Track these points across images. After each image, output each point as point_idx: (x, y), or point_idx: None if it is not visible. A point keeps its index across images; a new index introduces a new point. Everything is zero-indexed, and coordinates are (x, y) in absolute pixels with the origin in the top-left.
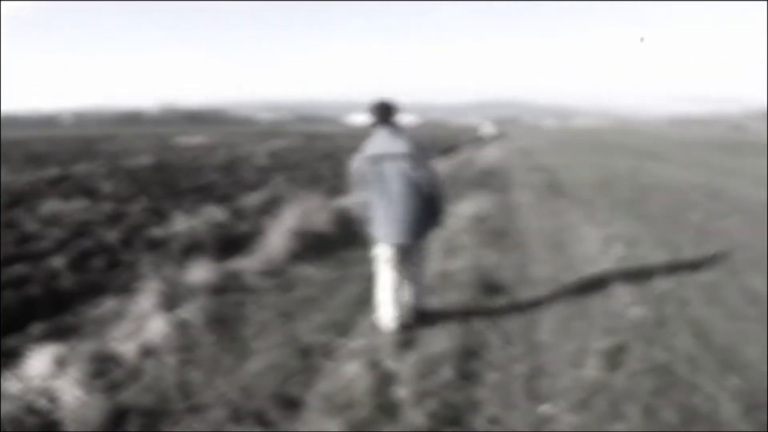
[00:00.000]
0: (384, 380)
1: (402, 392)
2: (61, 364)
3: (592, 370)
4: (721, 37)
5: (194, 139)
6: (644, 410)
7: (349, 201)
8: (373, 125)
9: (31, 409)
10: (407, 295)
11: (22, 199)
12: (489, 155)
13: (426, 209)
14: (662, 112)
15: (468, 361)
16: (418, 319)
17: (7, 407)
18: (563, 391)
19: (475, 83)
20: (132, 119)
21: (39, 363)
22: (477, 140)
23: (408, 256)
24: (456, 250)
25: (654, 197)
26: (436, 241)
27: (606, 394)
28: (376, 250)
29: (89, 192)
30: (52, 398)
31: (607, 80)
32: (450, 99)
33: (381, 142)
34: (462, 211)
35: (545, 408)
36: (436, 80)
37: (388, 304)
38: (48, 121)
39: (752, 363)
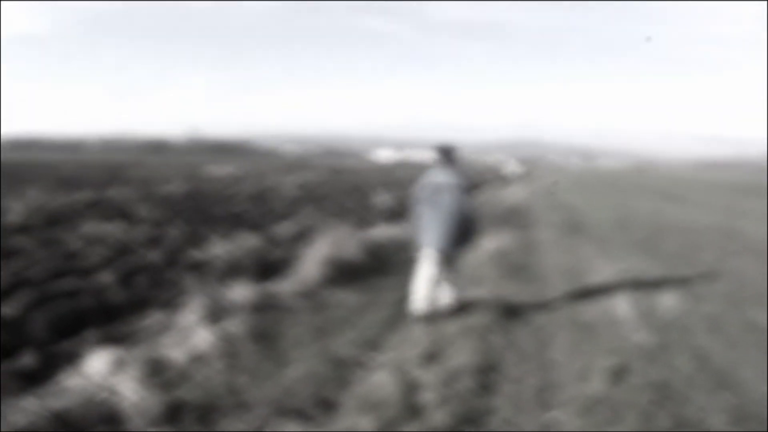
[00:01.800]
0: (410, 387)
1: (427, 397)
2: (118, 364)
3: (596, 383)
4: (744, 80)
5: (223, 168)
6: (641, 417)
7: (409, 218)
8: (435, 161)
9: (93, 401)
10: (443, 290)
11: (61, 219)
12: (513, 194)
13: (465, 228)
14: (684, 153)
15: (486, 374)
16: (449, 311)
17: (71, 399)
18: (569, 400)
19: (500, 122)
20: (158, 147)
21: (98, 363)
22: (501, 179)
23: (446, 261)
24: (479, 280)
25: (668, 237)
26: (462, 270)
27: (607, 404)
28: (424, 253)
29: (125, 215)
30: (113, 392)
31: (631, 121)
32: (475, 137)
33: (438, 174)
34: (485, 245)
35: (553, 414)
36: (462, 118)
37: (424, 293)
38: (74, 146)
39: (745, 382)
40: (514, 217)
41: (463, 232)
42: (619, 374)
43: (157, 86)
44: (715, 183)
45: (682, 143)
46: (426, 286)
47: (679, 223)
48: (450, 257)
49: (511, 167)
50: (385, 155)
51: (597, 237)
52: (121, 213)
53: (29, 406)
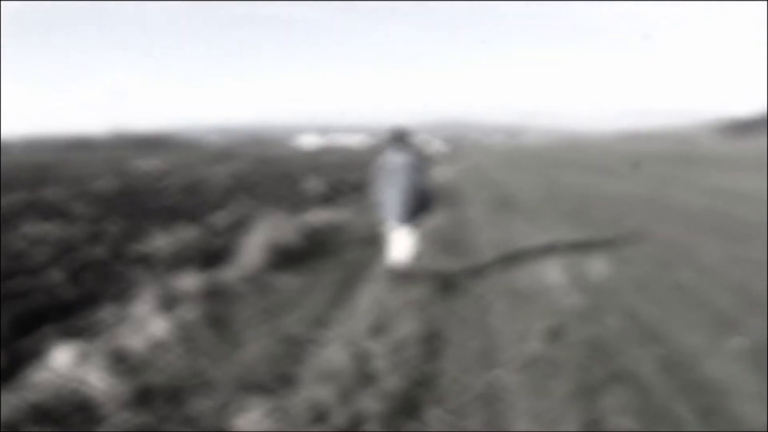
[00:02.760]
0: (362, 357)
1: (378, 365)
2: (82, 356)
3: (534, 344)
4: (670, 49)
5: (150, 162)
6: (577, 371)
7: (371, 193)
8: (389, 143)
9: (65, 392)
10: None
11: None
12: (440, 173)
13: (422, 201)
14: (612, 127)
15: (431, 341)
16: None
17: (43, 392)
18: (510, 360)
19: (425, 104)
20: (82, 145)
21: (62, 356)
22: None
23: (408, 229)
24: (415, 256)
25: (596, 207)
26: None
27: (545, 361)
28: (388, 225)
29: (62, 214)
30: (82, 382)
31: (559, 99)
32: (400, 119)
33: (394, 154)
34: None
35: (496, 372)
36: (387, 101)
37: (399, 251)
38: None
39: (672, 335)
40: (443, 196)
41: (420, 205)
42: (554, 334)
43: (76, 81)
44: (642, 154)
45: (611, 117)
46: (398, 249)
47: (607, 194)
48: (412, 226)
49: (436, 147)
50: (309, 141)
51: (526, 210)
52: (57, 212)
53: (5, 400)
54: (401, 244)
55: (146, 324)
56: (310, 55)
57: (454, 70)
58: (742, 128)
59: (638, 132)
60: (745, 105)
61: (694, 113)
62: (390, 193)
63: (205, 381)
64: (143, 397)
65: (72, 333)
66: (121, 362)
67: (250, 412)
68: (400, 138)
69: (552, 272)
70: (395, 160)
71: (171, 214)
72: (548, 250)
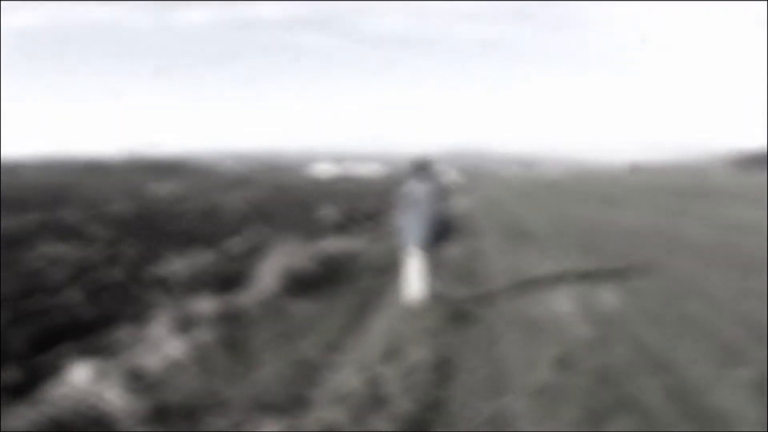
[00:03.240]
0: (374, 381)
1: (390, 389)
2: (99, 374)
3: (542, 372)
4: (683, 85)
5: (166, 186)
6: (584, 398)
7: (394, 220)
8: (412, 172)
9: (82, 408)
10: (424, 280)
11: (16, 240)
12: (455, 204)
13: (442, 229)
14: (622, 159)
15: (442, 367)
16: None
17: (61, 407)
18: (519, 387)
19: (440, 133)
20: (97, 167)
21: (80, 373)
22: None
23: (427, 257)
24: (429, 286)
25: (606, 238)
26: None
27: (553, 389)
28: (410, 251)
29: (78, 235)
30: (99, 398)
31: (571, 129)
32: (415, 149)
33: (417, 184)
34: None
35: (505, 399)
36: (401, 130)
37: (416, 284)
38: (12, 169)
39: (679, 365)
40: (459, 226)
41: (440, 233)
42: (563, 362)
43: (92, 106)
44: (653, 186)
45: (622, 149)
46: (417, 277)
47: (618, 226)
48: (431, 254)
49: (452, 177)
50: (324, 169)
51: (538, 241)
52: (74, 233)
53: (24, 413)
54: (420, 271)
55: (162, 345)
56: (325, 83)
57: (471, 101)
58: (754, 161)
59: (652, 164)
60: (759, 138)
61: (707, 146)
62: (412, 221)
63: (220, 400)
64: (159, 414)
65: (89, 351)
66: (137, 380)
67: (264, 430)
68: (422, 168)
69: (562, 302)
70: (417, 189)
71: (187, 239)
72: (558, 280)
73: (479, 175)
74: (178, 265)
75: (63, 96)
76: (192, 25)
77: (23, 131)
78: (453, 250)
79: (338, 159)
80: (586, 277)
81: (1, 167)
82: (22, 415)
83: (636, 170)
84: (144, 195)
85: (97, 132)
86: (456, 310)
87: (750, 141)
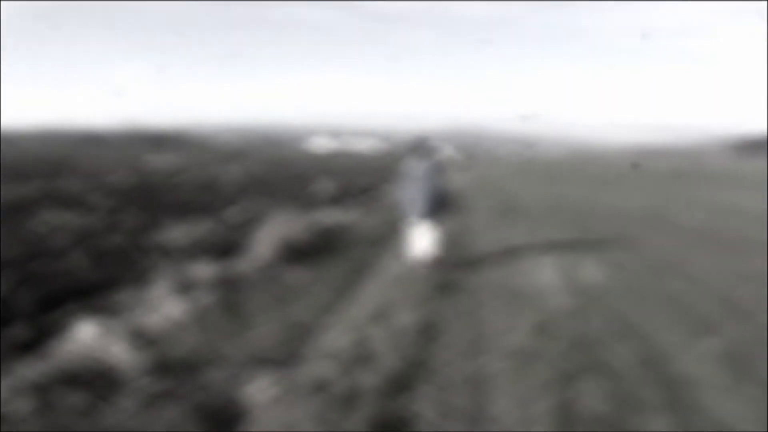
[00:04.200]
0: (363, 339)
1: (377, 346)
2: (104, 330)
3: (521, 335)
4: (685, 68)
5: (163, 158)
6: (558, 360)
7: (398, 196)
8: (412, 150)
9: (90, 360)
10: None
11: (18, 208)
12: (452, 181)
13: (440, 201)
14: (623, 140)
15: (427, 329)
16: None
17: (70, 359)
18: (498, 348)
19: (437, 110)
20: (94, 139)
21: (86, 330)
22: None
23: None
24: (420, 255)
25: (597, 219)
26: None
27: (530, 351)
28: (411, 220)
29: (80, 204)
30: (106, 352)
31: (574, 109)
32: (413, 125)
33: (416, 160)
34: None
35: (485, 358)
36: (399, 106)
37: (420, 246)
38: (10, 139)
39: (653, 332)
40: (454, 202)
41: (438, 205)
42: (540, 328)
43: (90, 76)
44: (650, 169)
45: (625, 131)
46: (419, 242)
47: (610, 206)
48: (430, 223)
49: (449, 154)
50: (321, 143)
51: (529, 218)
52: (75, 202)
53: (34, 365)
54: (421, 239)
55: (163, 305)
56: (324, 57)
57: (470, 78)
58: (753, 147)
59: (650, 147)
60: (759, 124)
61: (707, 130)
62: (412, 194)
63: (218, 355)
64: (162, 367)
65: (94, 311)
66: (140, 337)
67: (258, 381)
68: (422, 146)
69: (545, 274)
70: (417, 165)
71: (185, 209)
72: (543, 253)
73: (477, 153)
74: (176, 233)
75: (59, 68)
76: None
77: (19, 101)
78: (445, 224)
79: (335, 133)
80: (569, 248)
81: (1, 137)
82: (32, 367)
83: (636, 166)
84: (142, 166)
85: (94, 103)
86: (443, 279)
87: (749, 126)
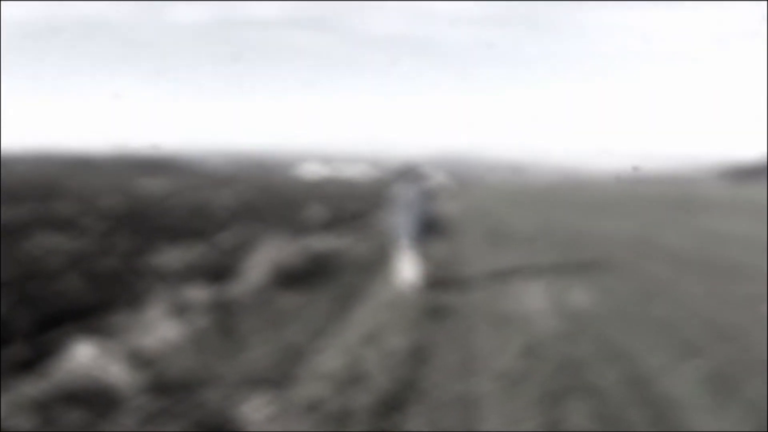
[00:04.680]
0: (355, 361)
1: (369, 367)
2: (101, 350)
3: (510, 357)
4: (676, 94)
5: (155, 182)
6: (546, 381)
7: (388, 221)
8: (402, 175)
9: (89, 380)
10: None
11: (11, 230)
12: (443, 207)
13: (430, 226)
14: (613, 167)
15: (418, 351)
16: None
17: (69, 379)
18: (487, 369)
19: (427, 137)
20: (84, 162)
21: (84, 351)
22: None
23: (418, 250)
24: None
25: (587, 245)
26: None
27: (518, 372)
28: (402, 244)
29: (73, 227)
30: (105, 371)
31: (560, 135)
32: (404, 152)
33: (406, 186)
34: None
35: (475, 380)
36: (390, 133)
37: (409, 271)
38: (4, 163)
39: (638, 354)
40: (444, 228)
41: (428, 231)
42: (528, 351)
43: (81, 100)
44: (640, 196)
45: (614, 158)
46: (406, 268)
47: (600, 233)
48: (420, 248)
49: (440, 181)
50: (312, 169)
51: (518, 244)
52: (68, 225)
53: (35, 384)
54: (410, 263)
55: (158, 327)
56: (314, 82)
57: (462, 105)
58: (743, 174)
59: (639, 174)
60: (750, 150)
61: (698, 156)
62: (402, 220)
63: (214, 376)
64: (159, 386)
65: (91, 332)
66: (137, 358)
67: (253, 400)
68: (412, 172)
69: (534, 298)
70: (407, 191)
71: (177, 233)
72: (531, 277)
73: (467, 180)
74: (170, 256)
75: (51, 90)
76: (181, 23)
77: (12, 125)
78: (435, 249)
79: (326, 160)
80: (557, 273)
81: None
82: (33, 384)
83: (637, 170)
84: (133, 190)
85: (85, 127)
86: (433, 303)
87: (741, 152)
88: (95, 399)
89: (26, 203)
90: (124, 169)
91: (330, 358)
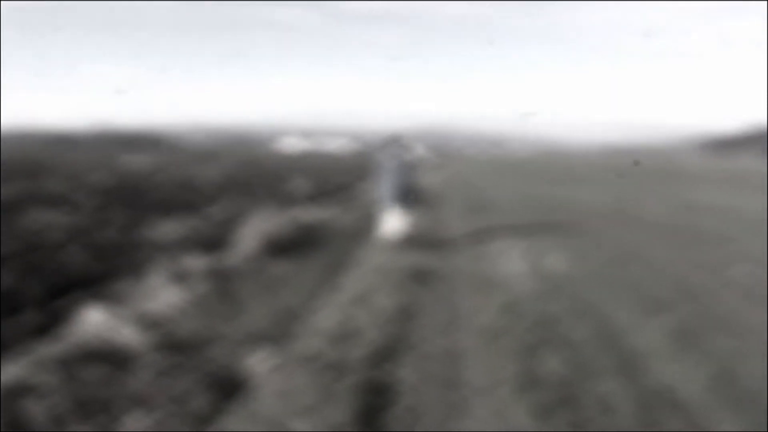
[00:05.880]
0: (347, 319)
1: (360, 323)
2: (111, 314)
3: (490, 315)
4: (658, 67)
5: (138, 159)
6: (522, 333)
7: (374, 185)
8: (385, 146)
9: (101, 341)
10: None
11: (5, 207)
12: (423, 179)
13: (410, 190)
14: (595, 139)
15: (404, 310)
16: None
17: (82, 340)
18: (469, 327)
19: (408, 110)
20: (68, 140)
21: (94, 315)
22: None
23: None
24: (397, 247)
25: (566, 213)
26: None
27: (498, 328)
28: (385, 206)
29: (65, 202)
30: (117, 332)
31: (549, 108)
32: (385, 124)
33: (390, 154)
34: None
35: (457, 336)
36: (370, 106)
37: (393, 227)
38: None
39: (611, 312)
40: (424, 198)
41: (409, 194)
42: (507, 309)
43: (62, 77)
44: (621, 167)
45: (595, 130)
46: (391, 222)
47: (579, 203)
48: (401, 206)
49: (420, 153)
50: (292, 143)
51: (498, 213)
52: (60, 202)
53: (50, 345)
54: (393, 222)
55: (162, 294)
56: (291, 57)
57: (440, 78)
58: (724, 145)
59: (622, 145)
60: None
61: (679, 128)
62: (386, 184)
63: (218, 335)
64: (168, 345)
65: (98, 298)
66: (145, 321)
67: (257, 354)
68: (394, 143)
69: (512, 261)
70: (390, 160)
71: (168, 207)
72: (509, 242)
73: (448, 152)
74: (164, 229)
75: (29, 67)
76: None
77: None
78: (417, 215)
79: (306, 133)
80: (535, 238)
81: None
82: (51, 346)
83: (638, 163)
84: (119, 166)
85: (66, 104)
86: (417, 268)
87: (720, 125)
88: (112, 356)
89: (15, 181)
90: (107, 145)
91: (324, 317)
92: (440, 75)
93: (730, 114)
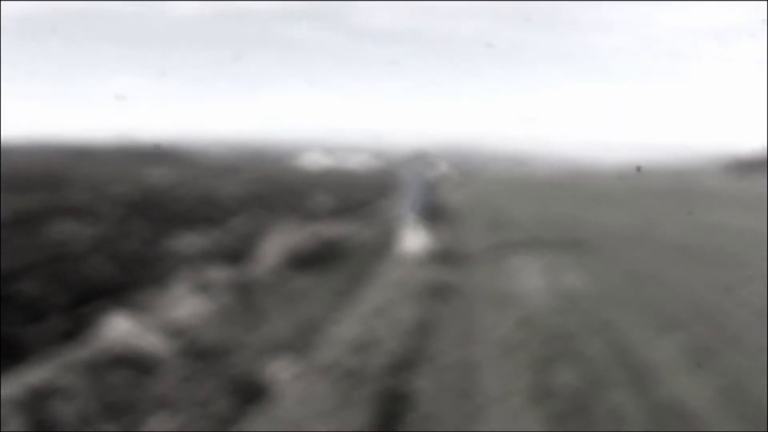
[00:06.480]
0: (366, 330)
1: (379, 335)
2: (137, 322)
3: (506, 328)
4: (682, 87)
5: (160, 171)
6: (537, 347)
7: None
8: (409, 162)
9: (127, 348)
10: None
11: (27, 218)
12: (445, 196)
13: (431, 205)
14: (615, 159)
15: (423, 322)
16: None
17: (108, 347)
18: (486, 339)
19: (431, 127)
20: (89, 152)
21: (120, 322)
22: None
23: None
24: (417, 263)
25: (585, 233)
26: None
27: (514, 340)
28: (408, 220)
29: (88, 214)
30: (142, 338)
31: (569, 128)
32: (407, 142)
33: (413, 171)
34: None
35: (474, 348)
36: (393, 123)
37: (414, 243)
38: (8, 152)
39: (625, 328)
40: (446, 216)
41: (432, 212)
42: (523, 323)
43: (84, 90)
44: (642, 188)
45: (617, 150)
46: (413, 238)
47: (596, 223)
48: (423, 222)
49: (442, 170)
50: (314, 159)
51: (518, 231)
52: (83, 213)
53: (77, 351)
54: (414, 237)
55: (185, 303)
56: (314, 73)
57: (463, 96)
58: (744, 166)
59: (644, 166)
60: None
61: (702, 149)
62: (408, 200)
63: (241, 344)
64: (192, 352)
65: (123, 307)
66: (169, 329)
67: (278, 362)
68: (419, 159)
69: (530, 278)
70: (413, 177)
71: (190, 220)
72: (528, 260)
73: (470, 170)
74: (186, 241)
75: (52, 82)
76: (183, 14)
77: (13, 115)
78: (438, 231)
79: (329, 150)
80: (554, 257)
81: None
82: (78, 351)
83: (639, 170)
84: (140, 179)
85: (88, 118)
86: (437, 282)
87: (745, 145)
88: (137, 362)
89: (38, 192)
90: (128, 159)
91: (344, 328)
92: (465, 94)
93: (758, 134)
